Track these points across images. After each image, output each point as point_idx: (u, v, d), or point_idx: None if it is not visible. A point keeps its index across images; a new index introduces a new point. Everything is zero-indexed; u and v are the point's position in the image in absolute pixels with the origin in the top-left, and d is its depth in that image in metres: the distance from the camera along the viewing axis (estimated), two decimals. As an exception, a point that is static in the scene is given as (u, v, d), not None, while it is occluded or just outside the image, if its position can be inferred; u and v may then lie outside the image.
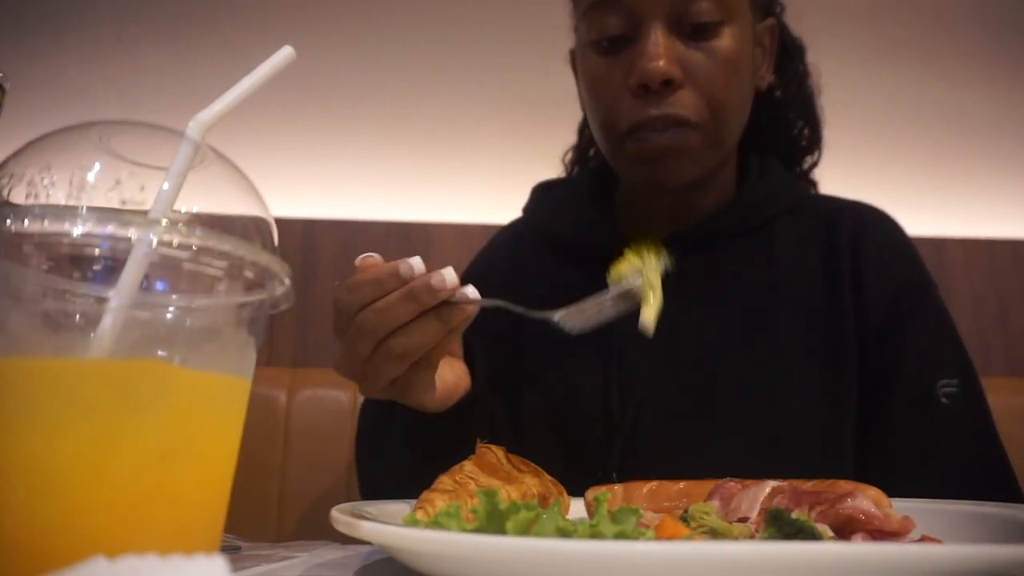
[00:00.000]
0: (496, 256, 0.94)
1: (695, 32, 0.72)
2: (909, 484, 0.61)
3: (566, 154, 1.00)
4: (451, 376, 0.64)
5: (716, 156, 0.78)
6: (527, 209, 0.93)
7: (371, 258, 0.56)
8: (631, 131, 0.74)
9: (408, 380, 0.57)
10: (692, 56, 0.72)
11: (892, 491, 0.49)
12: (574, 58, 0.86)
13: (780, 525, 0.41)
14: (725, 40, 0.73)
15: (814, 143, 0.91)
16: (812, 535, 0.40)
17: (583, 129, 0.99)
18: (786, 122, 0.89)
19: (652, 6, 0.71)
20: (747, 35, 0.76)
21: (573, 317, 0.59)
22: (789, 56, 0.88)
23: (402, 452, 0.69)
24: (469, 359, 0.70)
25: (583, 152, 0.98)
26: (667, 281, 0.79)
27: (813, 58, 0.91)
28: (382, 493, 0.67)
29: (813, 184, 0.93)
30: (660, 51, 0.71)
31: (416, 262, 0.53)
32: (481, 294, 0.88)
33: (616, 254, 0.80)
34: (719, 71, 0.73)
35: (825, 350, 0.76)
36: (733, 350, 0.77)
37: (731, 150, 0.82)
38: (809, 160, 0.92)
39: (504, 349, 0.82)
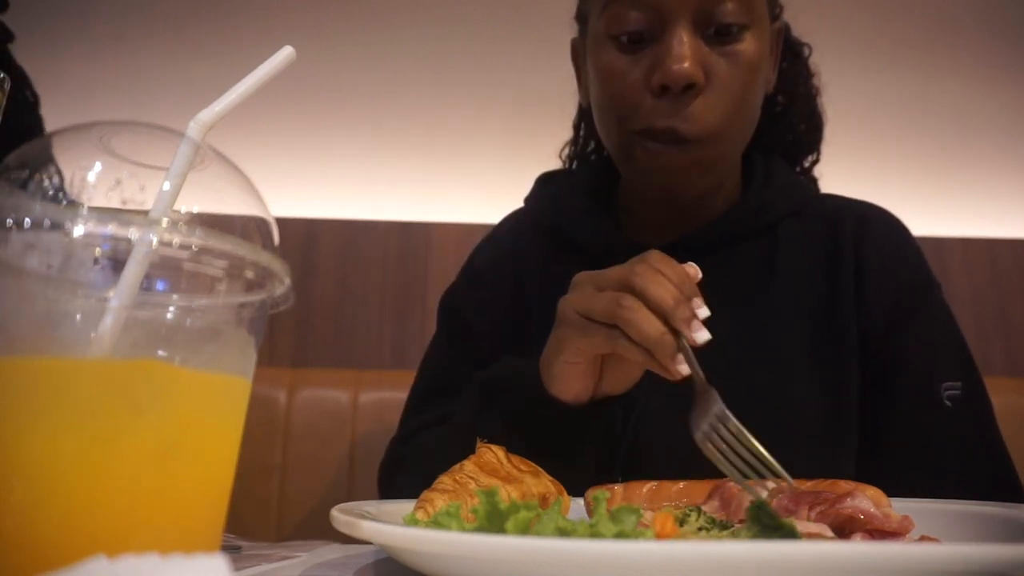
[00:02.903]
0: (500, 247, 0.93)
1: (719, 35, 0.71)
2: (911, 485, 0.61)
3: (563, 150, 0.99)
4: (583, 377, 0.65)
5: (725, 168, 0.78)
6: (528, 200, 0.93)
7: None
8: (643, 133, 0.73)
9: (589, 328, 0.61)
10: (715, 60, 0.71)
11: (894, 492, 0.49)
12: (575, 49, 0.84)
13: (761, 517, 0.39)
14: (748, 44, 0.72)
15: (814, 144, 0.91)
16: (791, 535, 0.39)
17: (579, 125, 0.98)
18: (789, 123, 0.89)
19: (679, 4, 0.70)
20: (766, 41, 0.76)
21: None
22: (794, 56, 0.88)
23: (505, 437, 0.68)
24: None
25: (582, 148, 0.98)
26: None
27: (814, 58, 0.91)
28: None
29: (814, 181, 0.93)
30: (686, 52, 0.69)
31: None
32: (487, 285, 0.89)
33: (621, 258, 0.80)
34: (740, 77, 0.72)
35: (828, 351, 0.76)
36: (736, 352, 0.77)
37: (740, 157, 0.82)
38: (809, 159, 0.92)
39: (509, 349, 0.82)
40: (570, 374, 0.64)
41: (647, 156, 0.73)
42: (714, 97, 0.71)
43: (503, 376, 0.71)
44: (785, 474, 0.53)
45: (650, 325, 0.57)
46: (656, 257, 0.61)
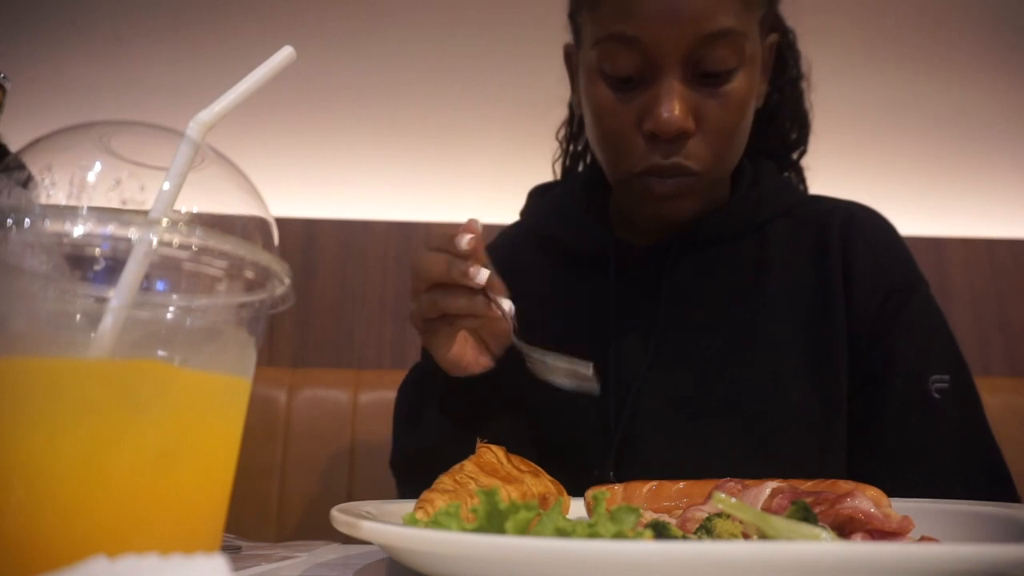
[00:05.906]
0: (497, 257, 0.94)
1: (709, 77, 0.71)
2: (902, 479, 0.61)
3: (555, 162, 1.00)
4: (470, 353, 0.71)
5: (718, 191, 0.80)
6: (523, 212, 0.93)
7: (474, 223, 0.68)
8: (638, 174, 0.74)
9: (434, 327, 0.69)
10: (705, 104, 0.71)
11: (888, 487, 0.49)
12: (568, 56, 0.85)
13: (809, 519, 0.40)
14: (738, 83, 0.71)
15: (801, 140, 0.91)
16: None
17: (568, 140, 0.98)
18: (777, 127, 0.89)
19: (671, 51, 0.69)
20: (756, 73, 0.76)
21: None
22: (785, 64, 0.88)
23: (436, 420, 0.76)
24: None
25: (574, 161, 0.98)
26: (662, 285, 0.80)
27: (808, 54, 0.90)
28: (414, 466, 0.79)
29: (800, 172, 0.93)
30: (676, 102, 0.69)
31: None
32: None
33: (614, 259, 0.80)
34: (731, 117, 0.72)
35: (817, 348, 0.77)
36: (727, 351, 0.77)
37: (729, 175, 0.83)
38: (797, 152, 0.92)
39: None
40: (449, 360, 0.70)
41: (641, 190, 0.75)
42: (705, 139, 0.72)
43: (427, 365, 0.79)
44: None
45: (428, 280, 0.66)
46: (430, 238, 0.68)
